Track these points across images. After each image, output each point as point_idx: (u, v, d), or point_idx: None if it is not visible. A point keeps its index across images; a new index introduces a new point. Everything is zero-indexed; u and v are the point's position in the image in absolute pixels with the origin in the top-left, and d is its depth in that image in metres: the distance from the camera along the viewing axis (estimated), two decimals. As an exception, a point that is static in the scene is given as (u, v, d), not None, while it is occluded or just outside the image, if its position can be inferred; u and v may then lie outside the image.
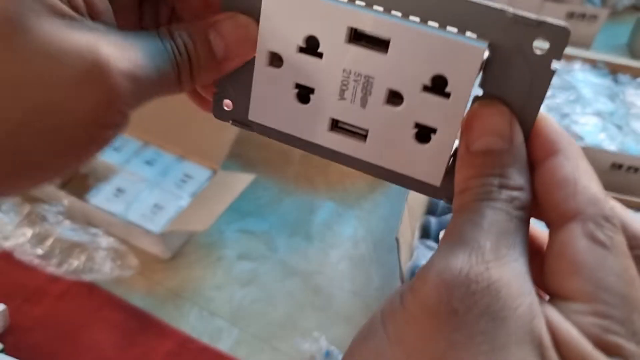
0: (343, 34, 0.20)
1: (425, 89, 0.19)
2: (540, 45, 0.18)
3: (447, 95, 0.19)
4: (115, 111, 0.18)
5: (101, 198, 0.76)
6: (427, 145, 0.20)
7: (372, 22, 0.19)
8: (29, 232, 0.74)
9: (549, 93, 0.99)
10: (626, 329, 0.15)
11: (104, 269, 0.71)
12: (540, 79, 0.18)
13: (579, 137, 0.81)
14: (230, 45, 0.21)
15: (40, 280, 0.72)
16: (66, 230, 0.74)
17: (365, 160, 0.22)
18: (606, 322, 0.15)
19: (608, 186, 0.81)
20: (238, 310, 0.72)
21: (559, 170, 0.18)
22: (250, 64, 0.22)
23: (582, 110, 0.91)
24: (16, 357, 0.63)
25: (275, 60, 0.21)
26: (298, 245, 0.79)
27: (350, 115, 0.21)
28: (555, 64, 0.18)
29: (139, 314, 0.70)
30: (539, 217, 0.19)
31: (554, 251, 0.17)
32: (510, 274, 0.16)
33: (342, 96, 0.21)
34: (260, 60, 0.22)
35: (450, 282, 0.15)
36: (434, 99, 0.19)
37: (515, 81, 0.18)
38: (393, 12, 0.19)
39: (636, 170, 0.81)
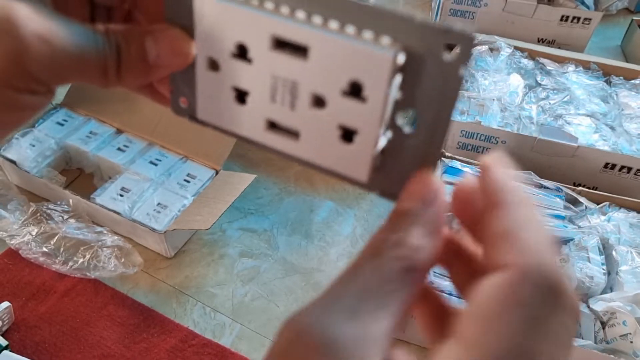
0: (267, 41, 0.21)
1: (345, 93, 0.20)
2: (449, 51, 0.19)
3: (364, 99, 0.20)
4: (25, 71, 0.19)
5: (106, 197, 0.76)
6: (351, 145, 0.21)
7: (291, 30, 0.20)
8: (34, 230, 0.74)
9: (542, 94, 0.99)
10: None
11: (108, 267, 0.71)
12: (450, 84, 0.19)
13: (573, 138, 0.82)
14: (163, 53, 0.22)
15: (46, 277, 0.73)
16: (71, 228, 0.74)
17: (300, 157, 0.23)
18: None
19: (601, 186, 0.82)
20: (240, 306, 0.73)
21: (497, 223, 0.17)
22: (194, 71, 0.23)
23: (576, 111, 0.91)
24: (21, 354, 0.64)
25: (214, 65, 0.22)
26: (298, 244, 0.80)
27: (282, 116, 0.22)
28: (463, 70, 0.18)
29: (143, 311, 0.71)
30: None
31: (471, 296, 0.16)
32: (356, 335, 0.15)
33: (273, 99, 0.22)
34: (201, 64, 0.23)
35: (293, 331, 0.16)
36: (352, 103, 0.20)
37: (428, 85, 0.19)
38: (314, 18, 0.20)
39: (629, 170, 0.82)
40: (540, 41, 1.19)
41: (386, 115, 0.20)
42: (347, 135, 0.21)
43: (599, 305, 0.63)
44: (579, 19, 1.15)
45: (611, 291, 0.66)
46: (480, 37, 1.02)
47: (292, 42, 0.20)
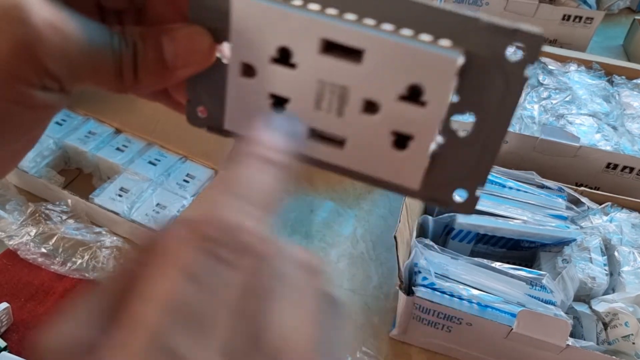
0: (315, 45, 0.19)
1: (401, 98, 0.19)
2: (514, 53, 0.18)
3: (423, 104, 0.19)
4: (37, 63, 0.17)
5: (105, 197, 0.76)
6: (404, 152, 0.20)
7: (344, 33, 0.19)
8: (33, 231, 0.74)
9: (544, 94, 0.99)
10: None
11: (107, 267, 0.71)
12: (513, 85, 0.18)
13: (575, 137, 0.81)
14: (181, 52, 0.20)
15: (45, 278, 0.73)
16: (70, 229, 0.74)
17: (344, 167, 0.21)
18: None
19: (603, 186, 0.82)
20: (239, 308, 0.72)
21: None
22: (223, 73, 0.21)
23: (578, 111, 0.91)
24: (20, 355, 0.63)
25: (249, 70, 0.21)
26: (298, 244, 0.80)
27: (327, 124, 0.21)
28: (528, 71, 0.18)
29: (142, 312, 0.70)
30: None
31: None
32: None
33: (318, 106, 0.20)
34: (234, 70, 0.21)
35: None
36: (410, 107, 0.19)
37: (489, 88, 0.18)
38: (365, 20, 0.19)
39: (631, 170, 0.81)
40: (542, 40, 1.19)
41: (442, 119, 0.19)
42: (400, 141, 0.20)
43: (601, 307, 0.63)
44: (580, 18, 1.15)
45: (613, 292, 0.65)
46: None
47: (345, 45, 0.19)
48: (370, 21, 0.19)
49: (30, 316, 0.69)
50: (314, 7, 0.19)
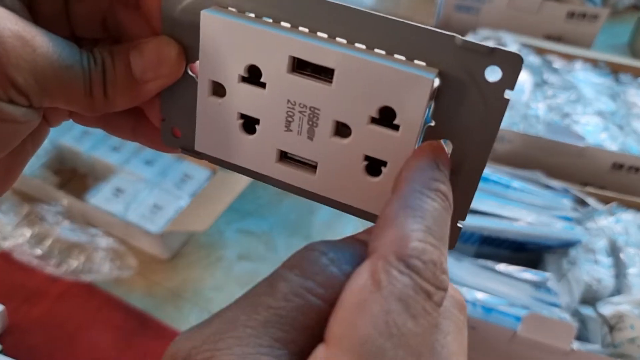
0: (285, 63, 0.19)
1: (373, 120, 0.18)
2: (492, 74, 0.17)
3: (396, 127, 0.18)
4: (2, 74, 0.17)
5: (100, 198, 0.76)
6: (377, 178, 0.19)
7: (314, 51, 0.18)
8: (28, 232, 0.74)
9: (549, 92, 0.98)
10: None
11: (103, 270, 0.71)
12: (493, 108, 0.17)
13: (580, 137, 0.81)
14: (148, 65, 0.20)
15: (39, 280, 0.72)
16: (65, 230, 0.74)
17: (316, 193, 0.21)
18: None
19: (609, 186, 0.81)
20: (238, 310, 0.72)
21: (384, 209, 0.16)
22: (194, 92, 0.21)
23: (583, 110, 0.91)
24: (14, 358, 0.63)
25: (219, 89, 0.20)
26: (298, 246, 0.78)
27: (298, 147, 0.20)
28: (508, 93, 0.17)
29: (138, 315, 0.70)
30: None
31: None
32: None
33: (288, 127, 0.20)
34: (203, 89, 0.21)
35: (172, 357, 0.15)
36: (382, 131, 0.18)
37: (467, 111, 0.18)
38: (338, 39, 0.18)
39: (637, 170, 0.81)
40: (546, 38, 1.18)
41: (418, 143, 0.18)
42: (373, 167, 0.19)
43: (606, 309, 0.62)
44: (585, 15, 1.14)
45: (619, 294, 0.65)
46: (484, 32, 1.02)
47: (315, 64, 0.18)
48: (341, 40, 0.18)
49: (25, 319, 0.69)
50: (285, 25, 0.19)
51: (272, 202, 0.85)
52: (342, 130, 0.19)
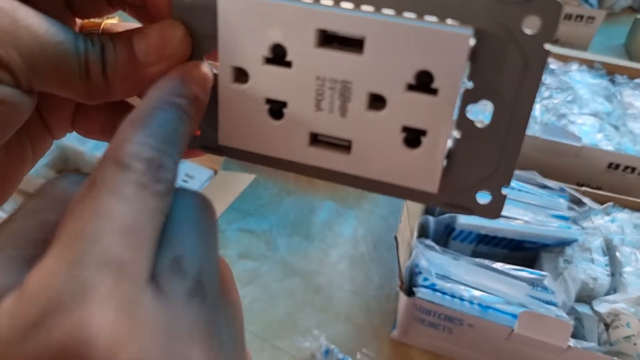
0: (311, 37, 0.18)
1: (410, 87, 0.17)
2: (530, 25, 0.16)
3: (435, 92, 0.17)
4: None
5: None
6: (418, 150, 0.18)
7: (341, 20, 0.17)
8: None
9: (546, 93, 0.99)
10: (59, 264, 0.13)
11: None
12: (533, 61, 0.16)
13: (577, 137, 0.81)
14: (152, 46, 0.19)
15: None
16: None
17: (353, 174, 0.19)
18: (46, 267, 0.13)
19: (605, 186, 0.82)
20: (239, 309, 0.72)
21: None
22: (213, 84, 0.20)
23: (580, 111, 0.91)
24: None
25: (241, 75, 0.19)
26: (298, 245, 0.80)
27: (330, 126, 0.19)
28: (548, 45, 0.16)
29: (140, 313, 0.70)
30: None
31: None
32: None
33: (318, 107, 0.19)
34: (224, 77, 0.19)
35: None
36: (420, 97, 0.17)
37: (506, 68, 0.17)
38: (363, 7, 0.17)
39: (633, 170, 0.81)
40: (543, 40, 1.18)
41: (456, 108, 0.17)
42: (412, 138, 0.18)
43: (602, 307, 0.63)
44: (582, 17, 1.14)
45: (615, 293, 0.65)
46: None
47: (343, 35, 0.18)
48: (368, 8, 0.17)
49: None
50: None
51: (273, 202, 0.86)
52: (375, 104, 0.18)
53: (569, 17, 1.15)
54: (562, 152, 0.81)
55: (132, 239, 0.14)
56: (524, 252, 0.71)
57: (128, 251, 0.13)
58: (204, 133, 0.21)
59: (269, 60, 0.19)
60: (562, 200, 0.73)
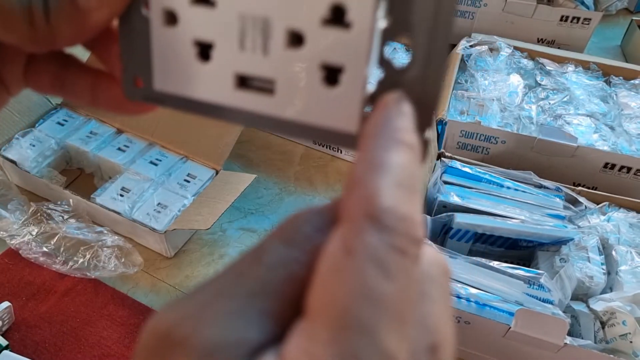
0: None
1: (325, 22, 0.17)
2: None
3: (349, 25, 0.17)
4: None
5: (106, 197, 0.76)
6: (337, 89, 0.18)
7: None
8: (34, 230, 0.74)
9: (542, 94, 0.99)
10: (330, 353, 0.12)
11: (108, 267, 0.71)
12: None
13: (573, 138, 0.82)
14: None
15: (46, 277, 0.73)
16: (72, 228, 0.74)
17: (278, 117, 0.19)
18: (311, 345, 0.12)
19: (600, 186, 0.83)
20: (240, 306, 0.72)
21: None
22: (147, 28, 0.20)
23: (576, 112, 0.92)
24: (22, 354, 0.64)
25: (171, 18, 0.19)
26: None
27: (254, 66, 0.18)
28: None
29: (143, 311, 0.71)
30: None
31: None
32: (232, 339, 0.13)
33: (242, 46, 0.18)
34: (156, 21, 0.19)
35: (154, 333, 0.14)
36: (334, 32, 0.17)
37: (420, 2, 0.17)
38: None
39: (628, 170, 0.82)
40: (540, 41, 1.19)
41: (374, 47, 0.17)
42: (332, 76, 0.18)
43: (598, 305, 0.63)
44: (578, 19, 1.15)
45: (611, 291, 0.66)
46: (480, 37, 1.03)
47: None
48: None
49: (31, 315, 0.69)
50: None
51: (273, 201, 0.86)
52: (297, 38, 0.18)
53: (565, 19, 1.15)
54: (558, 152, 0.82)
55: (404, 331, 0.13)
56: (520, 250, 0.72)
57: (402, 345, 0.13)
58: (146, 83, 0.21)
59: (196, 1, 0.19)
60: (558, 200, 0.74)
